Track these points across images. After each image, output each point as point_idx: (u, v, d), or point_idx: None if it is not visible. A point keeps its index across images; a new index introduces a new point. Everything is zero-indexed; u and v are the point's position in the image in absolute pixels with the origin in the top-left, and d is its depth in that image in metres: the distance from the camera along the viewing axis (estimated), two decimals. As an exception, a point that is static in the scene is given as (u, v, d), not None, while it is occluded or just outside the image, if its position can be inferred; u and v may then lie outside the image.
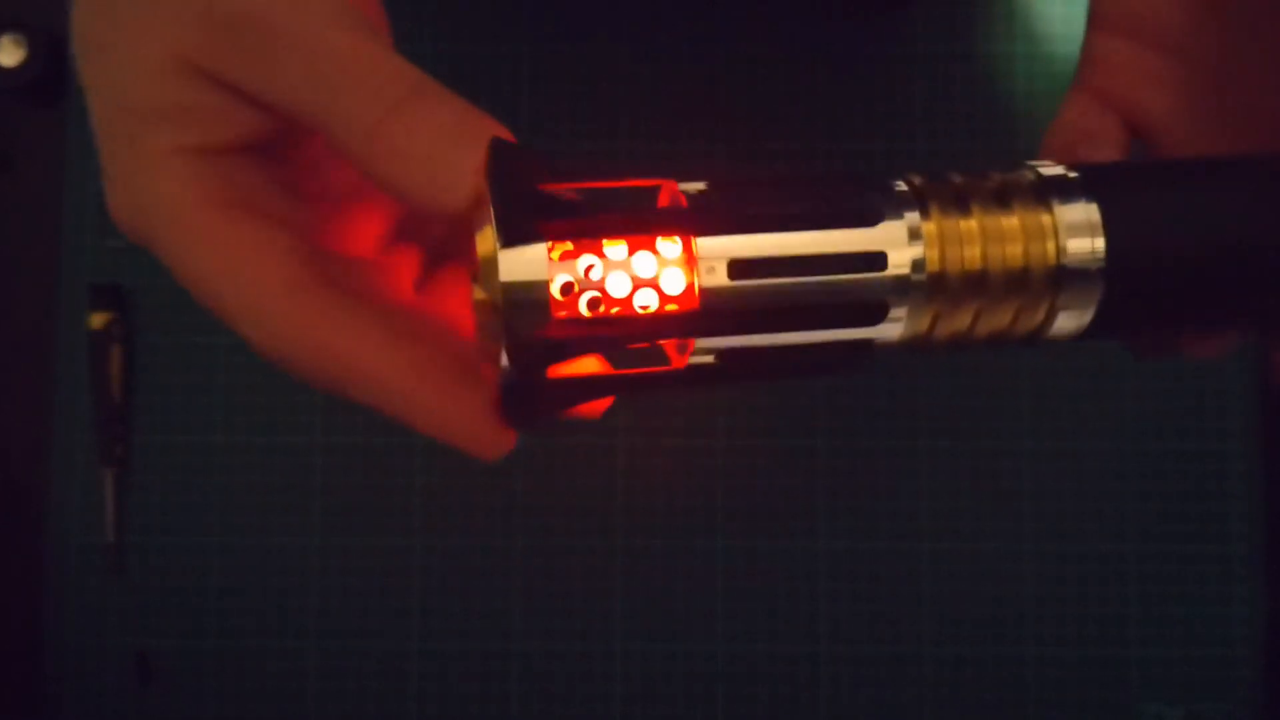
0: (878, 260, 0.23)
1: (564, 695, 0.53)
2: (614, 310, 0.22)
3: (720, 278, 0.22)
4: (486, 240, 0.22)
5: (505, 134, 0.23)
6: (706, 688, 0.53)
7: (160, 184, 0.23)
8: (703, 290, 0.22)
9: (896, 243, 0.23)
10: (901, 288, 0.23)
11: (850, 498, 0.54)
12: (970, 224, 0.24)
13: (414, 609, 0.53)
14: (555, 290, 0.22)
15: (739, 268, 0.22)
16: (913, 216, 0.23)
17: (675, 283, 0.22)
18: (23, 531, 0.54)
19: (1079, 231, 0.24)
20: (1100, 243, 0.24)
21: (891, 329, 0.23)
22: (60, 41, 0.54)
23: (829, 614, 0.53)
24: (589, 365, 0.25)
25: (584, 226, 0.22)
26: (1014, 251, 0.24)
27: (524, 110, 0.55)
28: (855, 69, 0.55)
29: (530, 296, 0.21)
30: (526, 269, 0.21)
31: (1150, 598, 0.53)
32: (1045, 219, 0.24)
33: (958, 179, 0.24)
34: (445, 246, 0.28)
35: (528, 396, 0.22)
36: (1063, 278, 0.24)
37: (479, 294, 0.23)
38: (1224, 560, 0.53)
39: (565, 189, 0.22)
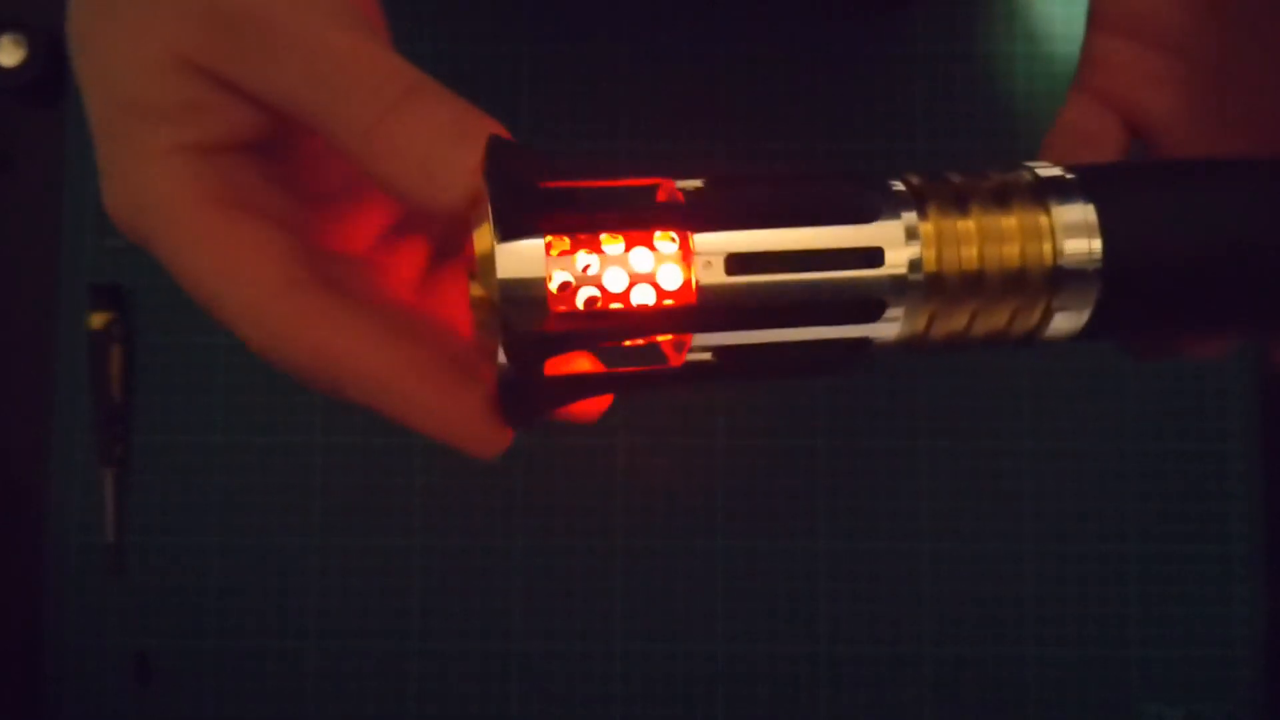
0: (875, 256, 0.23)
1: (564, 695, 0.53)
2: (612, 306, 0.22)
3: (717, 273, 0.22)
4: (484, 238, 0.22)
5: (503, 133, 0.23)
6: (706, 688, 0.53)
7: (157, 181, 0.23)
8: (699, 285, 0.22)
9: (894, 242, 0.23)
10: (898, 287, 0.23)
11: (850, 498, 0.54)
12: (968, 224, 0.24)
13: (414, 609, 0.53)
14: (552, 286, 0.22)
15: (736, 263, 0.22)
16: (910, 216, 0.23)
17: (672, 279, 0.22)
18: (23, 531, 0.54)
19: (1076, 232, 0.24)
20: (1097, 244, 0.24)
21: (888, 328, 0.23)
22: (60, 41, 0.54)
23: (829, 614, 0.53)
24: (586, 364, 0.25)
25: (581, 222, 0.22)
26: (1011, 252, 0.24)
27: (524, 110, 0.55)
28: (855, 69, 0.55)
29: (527, 293, 0.21)
30: (523, 266, 0.21)
31: (1150, 598, 0.53)
32: (1042, 220, 0.24)
33: (956, 179, 0.24)
34: (450, 242, 0.28)
35: (525, 394, 0.22)
36: (1059, 278, 0.24)
37: (476, 291, 0.23)
38: (1224, 560, 0.53)
39: (563, 187, 0.22)
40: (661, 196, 0.24)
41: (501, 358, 0.21)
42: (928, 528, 0.53)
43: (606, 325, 0.22)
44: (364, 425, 0.53)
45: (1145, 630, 0.53)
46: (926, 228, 0.23)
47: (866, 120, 0.55)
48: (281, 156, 0.25)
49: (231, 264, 0.23)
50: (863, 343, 0.23)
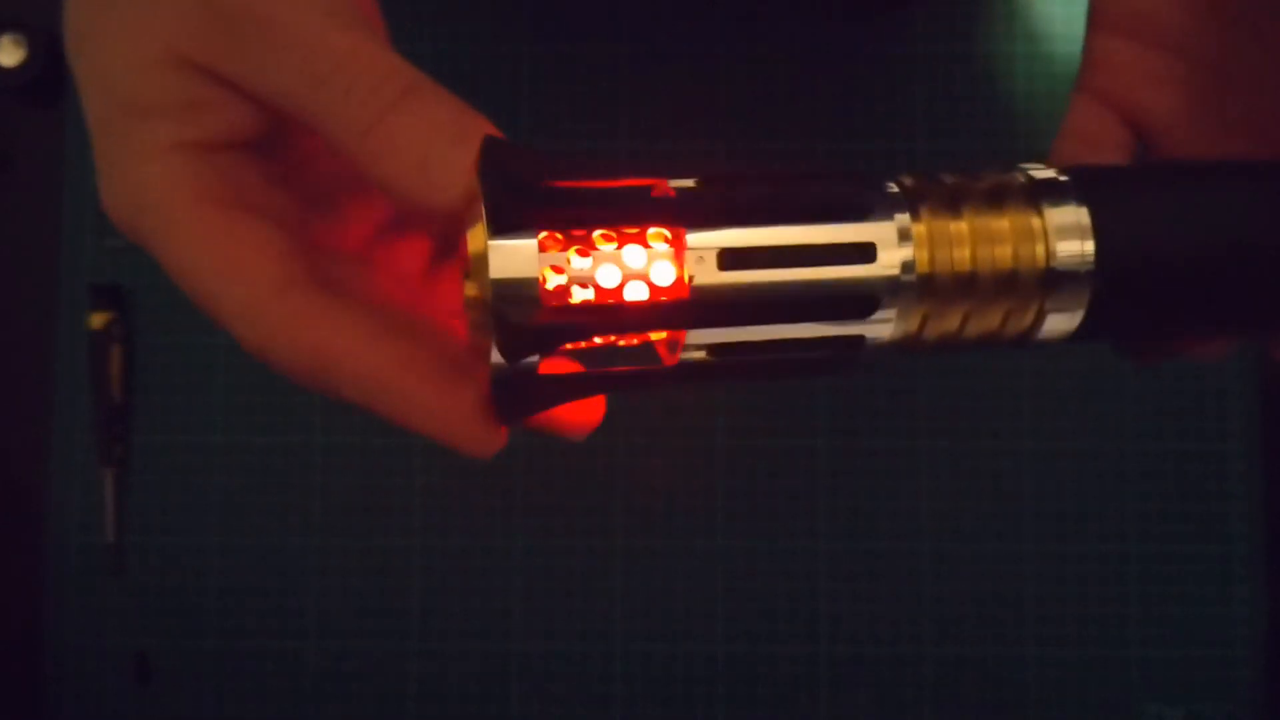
0: (867, 252, 0.23)
1: (564, 695, 0.53)
2: (605, 302, 0.22)
3: (710, 268, 0.22)
4: (477, 237, 0.22)
5: (498, 135, 0.23)
6: (706, 688, 0.53)
7: (155, 180, 0.23)
8: (692, 281, 0.22)
9: (887, 244, 0.23)
10: (891, 288, 0.23)
11: (850, 498, 0.54)
12: (960, 226, 0.24)
13: (414, 609, 0.53)
14: (546, 285, 0.22)
15: (729, 258, 0.22)
16: (903, 218, 0.23)
17: (665, 275, 0.22)
18: (23, 531, 0.54)
19: (1068, 234, 0.24)
20: (1090, 246, 0.24)
21: (882, 329, 0.23)
22: (60, 41, 0.54)
23: (829, 614, 0.53)
24: (578, 366, 0.24)
25: (574, 221, 0.22)
26: (1003, 253, 0.24)
27: (524, 110, 0.55)
28: (855, 69, 0.55)
29: (520, 292, 0.21)
30: (517, 265, 0.21)
31: (1150, 598, 0.53)
32: (1035, 221, 0.24)
33: (949, 180, 0.24)
34: (451, 239, 0.28)
35: (519, 392, 0.22)
36: (1052, 280, 0.24)
37: (471, 291, 0.23)
38: (1224, 560, 0.53)
39: (557, 187, 0.22)
40: (655, 195, 0.24)
41: (495, 356, 0.21)
42: (928, 528, 0.53)
43: (599, 320, 0.22)
44: (364, 425, 0.53)
45: (1145, 630, 0.53)
46: (919, 229, 0.23)
47: (866, 120, 0.55)
48: (279, 154, 0.25)
49: (228, 263, 0.23)
50: (856, 341, 0.23)
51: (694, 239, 0.22)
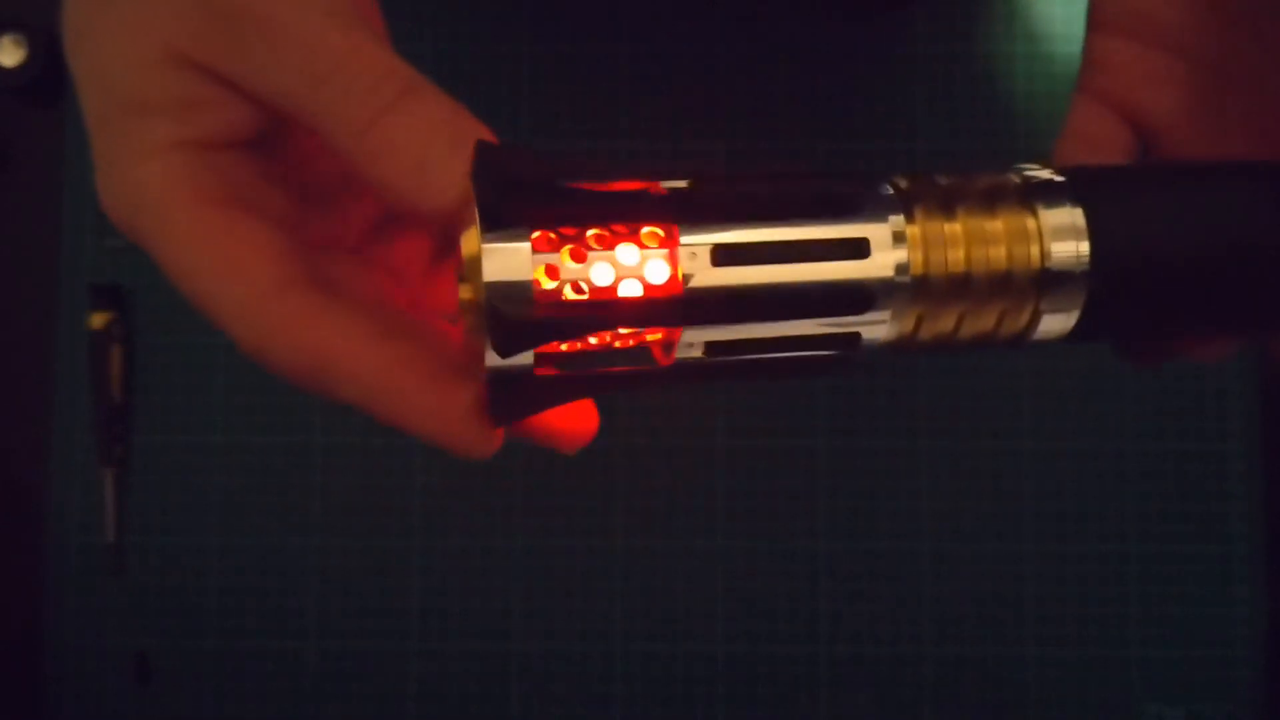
0: (862, 253, 0.23)
1: (564, 695, 0.53)
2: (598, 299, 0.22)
3: (703, 264, 0.22)
4: (471, 240, 0.22)
5: (492, 139, 0.23)
6: (706, 688, 0.53)
7: (152, 178, 0.23)
8: (685, 277, 0.22)
9: (881, 245, 0.23)
10: (886, 289, 0.23)
11: (850, 498, 0.54)
12: (955, 227, 0.24)
13: (414, 609, 0.53)
14: (540, 285, 0.22)
15: (722, 254, 0.22)
16: (897, 219, 0.23)
17: (659, 273, 0.22)
18: (23, 531, 0.54)
19: (1063, 235, 0.24)
20: (1085, 246, 0.24)
21: (877, 330, 0.23)
22: (60, 41, 0.54)
23: (829, 614, 0.53)
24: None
25: (568, 219, 0.22)
26: (998, 254, 0.24)
27: (524, 110, 0.55)
28: (855, 69, 0.55)
29: (514, 292, 0.21)
30: (511, 267, 0.21)
31: (1150, 598, 0.53)
32: (1030, 223, 0.24)
33: (944, 181, 0.24)
34: (451, 236, 0.28)
35: (514, 392, 0.22)
36: (1047, 281, 0.24)
37: (465, 294, 0.23)
38: (1224, 560, 0.53)
39: (551, 190, 0.22)
40: (649, 194, 0.24)
41: (490, 357, 0.21)
42: (928, 528, 0.53)
43: (593, 316, 0.22)
44: (364, 425, 0.53)
45: (1145, 630, 0.53)
46: (913, 230, 0.23)
47: (866, 120, 0.55)
48: (277, 153, 0.25)
49: (225, 263, 0.23)
50: (851, 340, 0.23)
51: (688, 236, 0.22)
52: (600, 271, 0.22)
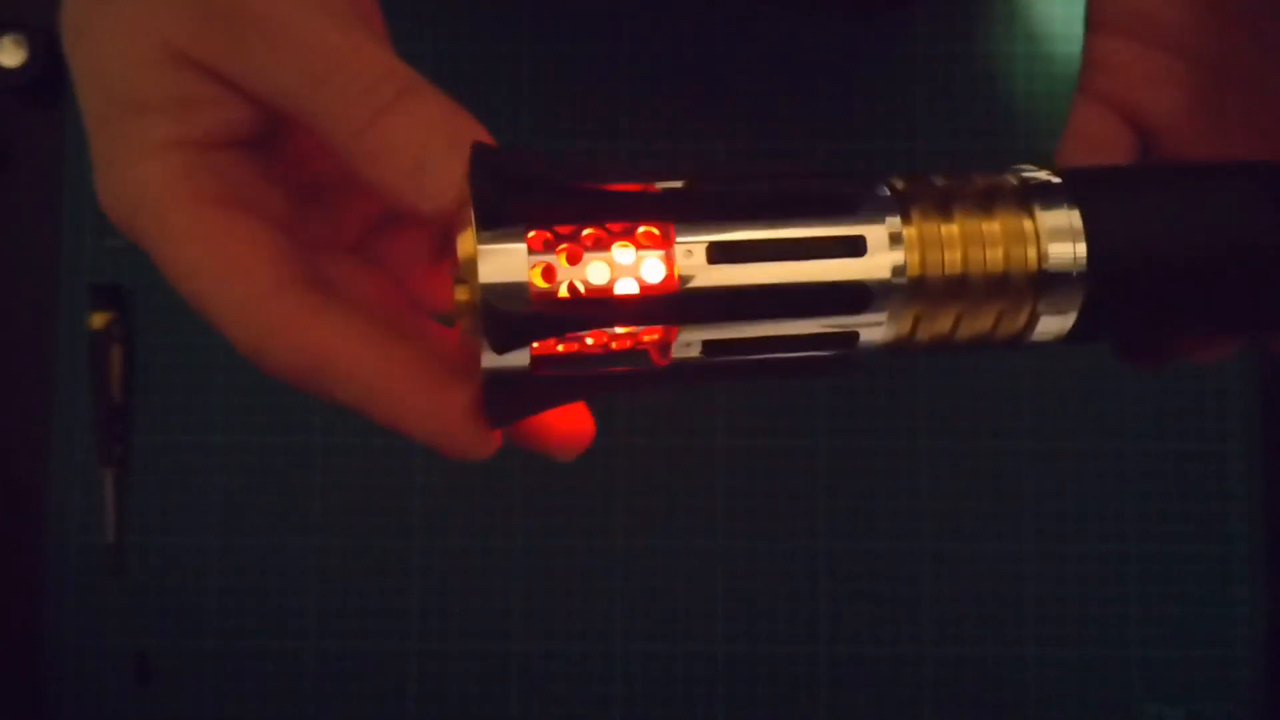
0: (858, 246, 0.23)
1: (564, 695, 0.53)
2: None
3: (699, 262, 0.22)
4: (467, 242, 0.22)
5: (490, 140, 0.23)
6: (706, 688, 0.53)
7: (150, 177, 0.23)
8: (681, 275, 0.22)
9: (878, 247, 0.23)
10: (882, 291, 0.23)
11: (850, 498, 0.54)
12: (951, 228, 0.24)
13: (414, 609, 0.53)
14: (535, 286, 0.22)
15: (718, 252, 0.22)
16: (894, 221, 0.23)
17: (655, 271, 0.23)
18: (23, 531, 0.54)
19: (1060, 237, 0.24)
20: (1082, 248, 0.24)
21: (874, 331, 0.23)
22: (60, 41, 0.54)
23: (829, 614, 0.53)
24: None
25: (563, 220, 0.22)
26: (994, 256, 0.24)
27: (524, 110, 0.55)
28: (855, 69, 0.55)
29: (510, 293, 0.21)
30: (506, 269, 0.21)
31: (1150, 598, 0.53)
32: (1026, 224, 0.24)
33: (940, 182, 0.24)
34: (450, 235, 0.28)
35: (510, 393, 0.22)
36: (1044, 282, 0.24)
37: (462, 295, 0.23)
38: (1224, 560, 0.53)
39: (547, 191, 0.22)
40: (645, 194, 0.24)
41: (485, 359, 0.21)
42: (928, 528, 0.53)
43: (589, 313, 0.22)
44: (364, 425, 0.53)
45: (1145, 630, 0.53)
46: (910, 232, 0.23)
47: (866, 120, 0.55)
48: (275, 151, 0.25)
49: (222, 263, 0.23)
50: (849, 339, 0.23)
51: (684, 235, 0.22)
52: (596, 271, 0.22)
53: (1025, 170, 0.25)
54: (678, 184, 0.23)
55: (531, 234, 0.22)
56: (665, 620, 0.53)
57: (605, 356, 0.23)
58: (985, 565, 0.53)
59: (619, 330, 0.23)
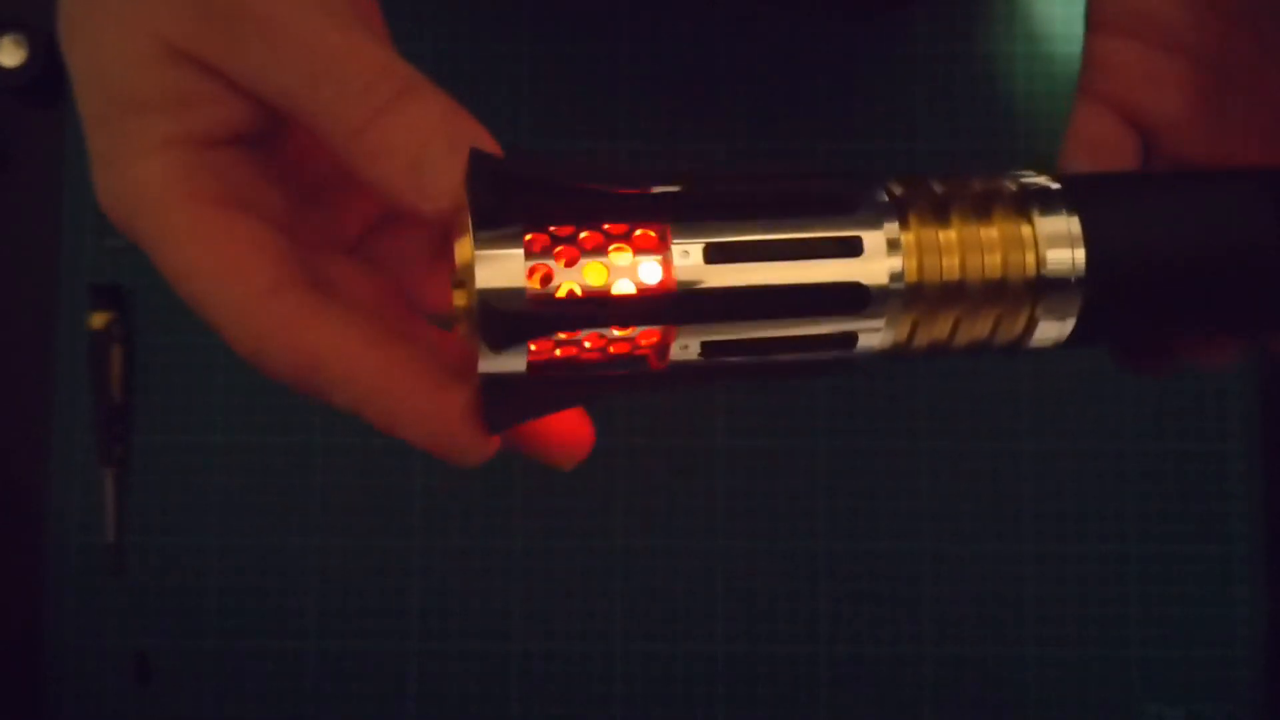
0: (855, 246, 0.23)
1: (564, 695, 0.53)
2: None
3: (696, 261, 0.22)
4: (465, 247, 0.22)
5: (490, 139, 0.23)
6: (706, 688, 0.53)
7: (148, 177, 0.23)
8: (678, 275, 0.22)
9: (875, 252, 0.23)
10: (880, 296, 0.23)
11: (850, 498, 0.54)
12: (949, 234, 0.24)
13: (414, 609, 0.53)
14: (533, 289, 0.22)
15: (715, 252, 0.22)
16: (891, 226, 0.23)
17: (652, 272, 0.23)
18: (23, 531, 0.54)
19: (1059, 243, 0.24)
20: (1080, 254, 0.24)
21: (871, 337, 0.23)
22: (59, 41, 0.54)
23: (829, 614, 0.53)
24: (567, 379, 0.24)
25: (560, 221, 0.22)
26: (992, 262, 0.24)
27: (524, 110, 0.55)
28: (855, 69, 0.55)
29: (506, 295, 0.21)
30: (503, 274, 0.21)
31: (1150, 598, 0.53)
32: (1025, 230, 0.24)
33: (939, 188, 0.24)
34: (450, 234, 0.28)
35: (507, 397, 0.22)
36: (1042, 288, 0.24)
37: (460, 300, 0.23)
38: (1224, 560, 0.53)
39: (543, 194, 0.22)
40: (648, 241, 0.24)
41: (483, 363, 0.21)
42: (928, 528, 0.53)
43: (585, 312, 0.22)
44: (364, 425, 0.52)
45: (1145, 630, 0.53)
46: (908, 237, 0.23)
47: (866, 120, 0.55)
48: (273, 150, 0.25)
49: (220, 265, 0.23)
50: (847, 340, 0.23)
51: (680, 236, 0.22)
52: (593, 273, 0.22)
53: (1024, 175, 0.25)
54: (674, 189, 0.23)
55: (529, 236, 0.22)
56: (665, 620, 0.53)
57: (603, 361, 0.23)
58: (985, 565, 0.53)
59: (616, 334, 0.23)
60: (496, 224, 0.21)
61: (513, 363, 0.22)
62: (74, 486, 0.54)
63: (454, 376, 0.23)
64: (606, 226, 0.23)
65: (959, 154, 0.54)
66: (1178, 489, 0.53)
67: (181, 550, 0.53)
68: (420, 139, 0.22)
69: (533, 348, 0.22)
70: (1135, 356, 0.29)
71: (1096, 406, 0.54)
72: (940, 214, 0.24)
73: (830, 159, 0.55)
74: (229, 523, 0.53)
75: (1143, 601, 0.53)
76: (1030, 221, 0.24)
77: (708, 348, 0.23)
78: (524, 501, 0.54)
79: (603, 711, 0.53)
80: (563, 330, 0.22)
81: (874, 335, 0.23)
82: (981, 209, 0.24)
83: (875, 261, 0.23)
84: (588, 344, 0.23)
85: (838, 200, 0.23)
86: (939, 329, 0.24)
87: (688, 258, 0.22)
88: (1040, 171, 0.25)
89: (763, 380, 0.25)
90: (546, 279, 0.22)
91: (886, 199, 0.24)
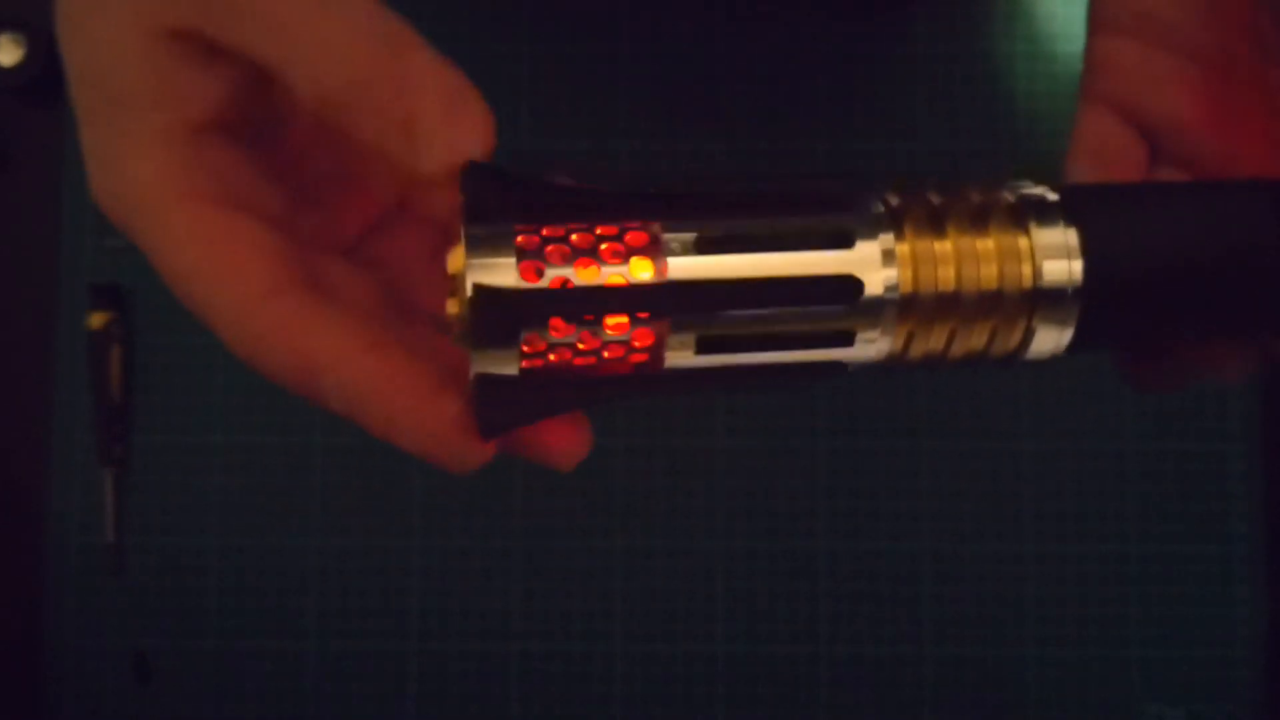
0: (847, 238, 0.23)
1: (564, 695, 0.53)
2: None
3: (687, 252, 0.22)
4: (457, 258, 0.22)
5: (479, 98, 0.22)
6: (706, 688, 0.53)
7: (143, 173, 0.23)
8: (670, 264, 0.22)
9: (871, 264, 0.23)
10: (875, 306, 0.23)
11: (850, 498, 0.53)
12: (945, 245, 0.24)
13: (414, 609, 0.53)
14: (523, 283, 0.22)
15: (706, 243, 0.22)
16: (887, 237, 0.23)
17: (643, 266, 0.23)
18: (23, 531, 0.54)
19: (1055, 254, 0.24)
20: (1077, 266, 0.24)
21: (866, 348, 0.24)
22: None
23: (829, 614, 0.53)
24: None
25: (552, 219, 0.22)
26: (989, 273, 0.24)
27: (524, 110, 0.55)
28: (855, 69, 0.55)
29: (498, 292, 0.21)
30: (495, 271, 0.21)
31: (1150, 598, 0.53)
32: (1022, 241, 0.24)
33: (936, 198, 0.24)
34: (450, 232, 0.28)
35: (501, 400, 0.22)
36: (1038, 300, 0.24)
37: (453, 308, 0.23)
38: (1224, 560, 0.53)
39: (537, 197, 0.22)
40: (639, 239, 0.24)
41: (475, 364, 0.21)
42: (928, 528, 0.53)
43: (576, 300, 0.22)
44: (364, 425, 0.53)
45: (1145, 630, 0.53)
46: (902, 248, 0.23)
47: (866, 120, 0.55)
48: (270, 147, 0.25)
49: (218, 266, 0.22)
50: (841, 336, 0.23)
51: (672, 227, 0.22)
52: (585, 268, 0.22)
53: (1023, 186, 0.25)
54: (666, 192, 0.23)
55: (520, 238, 0.22)
56: (665, 620, 0.53)
57: (597, 365, 0.23)
58: (985, 565, 0.53)
59: (610, 334, 0.23)
60: (488, 221, 0.21)
61: (505, 364, 0.22)
62: (74, 486, 0.54)
63: (450, 381, 0.23)
64: (599, 230, 0.23)
65: (959, 154, 0.54)
66: (1178, 489, 0.53)
67: (181, 550, 0.53)
68: (412, 96, 0.22)
69: (526, 349, 0.22)
70: (1140, 373, 0.29)
71: (1096, 406, 0.54)
72: (936, 224, 0.24)
73: (830, 159, 0.55)
74: (229, 523, 0.53)
75: (1143, 601, 0.53)
76: (1027, 233, 0.24)
77: (702, 344, 0.23)
78: (524, 501, 0.54)
79: (603, 711, 0.53)
80: (554, 317, 0.22)
81: (869, 346, 0.24)
82: (978, 220, 0.24)
83: (870, 272, 0.23)
84: (581, 346, 0.23)
85: (833, 209, 0.23)
86: (934, 340, 0.24)
87: (679, 249, 0.22)
88: (1039, 181, 0.25)
89: (758, 387, 0.25)
90: (538, 274, 0.22)
91: (882, 209, 0.24)
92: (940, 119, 0.55)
